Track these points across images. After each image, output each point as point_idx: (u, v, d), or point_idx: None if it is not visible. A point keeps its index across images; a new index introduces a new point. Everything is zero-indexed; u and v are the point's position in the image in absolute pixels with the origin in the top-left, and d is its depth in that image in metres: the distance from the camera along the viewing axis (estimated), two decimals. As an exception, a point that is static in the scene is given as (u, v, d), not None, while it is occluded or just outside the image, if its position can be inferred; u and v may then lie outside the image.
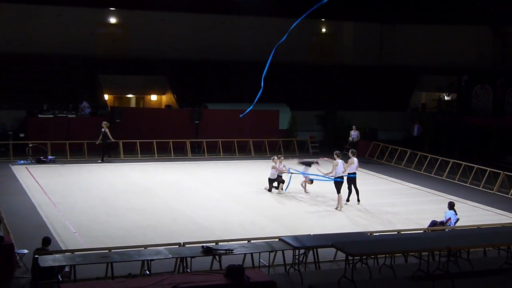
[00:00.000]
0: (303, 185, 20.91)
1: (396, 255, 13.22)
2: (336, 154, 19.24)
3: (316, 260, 13.35)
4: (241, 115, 19.09)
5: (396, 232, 15.07)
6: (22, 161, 24.48)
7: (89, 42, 33.87)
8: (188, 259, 12.38)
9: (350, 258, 11.81)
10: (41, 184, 20.70)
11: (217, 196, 20.16)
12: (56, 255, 12.08)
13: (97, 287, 10.53)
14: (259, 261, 13.12)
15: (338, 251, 12.98)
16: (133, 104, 34.80)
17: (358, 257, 12.62)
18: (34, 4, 32.28)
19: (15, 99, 29.07)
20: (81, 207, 17.93)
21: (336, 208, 18.64)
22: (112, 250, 12.51)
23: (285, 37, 16.09)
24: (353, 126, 28.41)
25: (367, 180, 23.03)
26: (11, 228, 14.50)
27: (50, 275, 11.84)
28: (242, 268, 11.01)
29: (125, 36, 35.28)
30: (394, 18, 38.77)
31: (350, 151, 20.03)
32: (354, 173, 19.33)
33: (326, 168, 20.69)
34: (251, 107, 17.42)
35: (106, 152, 25.33)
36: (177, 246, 12.98)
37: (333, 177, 18.95)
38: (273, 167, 20.57)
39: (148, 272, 12.05)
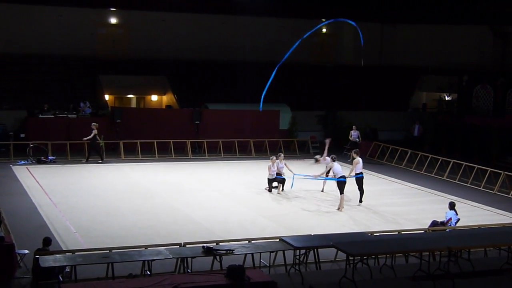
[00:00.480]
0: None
1: (396, 255, 13.24)
2: (332, 157, 19.28)
3: (317, 260, 13.34)
4: (260, 107, 20.16)
5: (396, 232, 15.07)
6: (22, 162, 24.49)
7: (89, 42, 33.87)
8: (189, 259, 12.38)
9: (350, 258, 11.81)
10: (41, 184, 20.71)
11: (217, 196, 20.16)
12: (57, 255, 12.08)
13: (97, 287, 10.53)
14: (260, 261, 13.13)
15: (339, 251, 12.98)
16: (133, 104, 34.78)
17: (359, 257, 12.62)
18: (35, 5, 32.28)
19: (16, 99, 29.09)
20: (81, 207, 17.94)
21: (338, 209, 18.63)
22: (113, 250, 12.50)
23: (297, 42, 16.68)
24: (353, 126, 28.41)
25: (368, 180, 22.90)
26: (11, 228, 14.51)
27: (50, 275, 11.85)
28: (242, 268, 11.00)
29: (125, 36, 35.29)
30: (395, 18, 38.76)
31: (353, 151, 20.09)
32: (361, 173, 19.37)
33: (322, 169, 20.77)
34: (265, 91, 18.83)
35: (92, 153, 25.06)
36: (178, 246, 12.99)
37: (334, 177, 18.98)
38: (269, 168, 20.55)
39: (148, 272, 12.06)
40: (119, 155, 26.34)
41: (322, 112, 33.06)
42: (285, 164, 20.77)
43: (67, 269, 12.06)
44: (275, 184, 20.64)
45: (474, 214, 18.88)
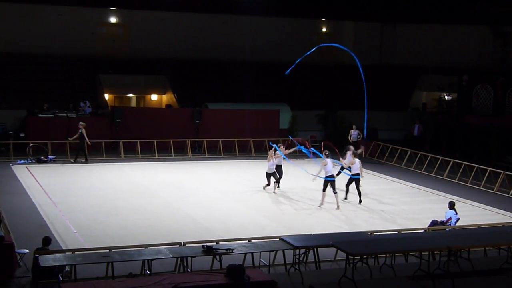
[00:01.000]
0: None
1: (396, 254, 13.24)
2: (325, 153, 19.32)
3: (317, 260, 13.35)
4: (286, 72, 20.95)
5: (396, 232, 15.08)
6: (22, 161, 24.49)
7: (89, 41, 33.88)
8: (189, 258, 12.38)
9: (350, 257, 11.80)
10: (41, 184, 20.71)
11: (217, 195, 20.17)
12: (57, 254, 12.09)
13: (97, 286, 10.53)
14: (260, 260, 13.13)
15: (339, 251, 12.98)
16: (133, 103, 34.80)
17: (359, 257, 12.61)
18: (35, 4, 32.29)
19: (16, 98, 29.08)
20: (81, 207, 17.94)
21: (337, 208, 18.65)
22: (113, 250, 12.51)
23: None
24: (353, 126, 28.40)
25: (368, 179, 22.98)
26: (11, 228, 14.51)
27: (50, 274, 11.85)
28: (242, 267, 11.01)
29: (125, 35, 35.29)
30: (395, 17, 38.76)
31: (352, 151, 20.13)
32: (358, 174, 19.40)
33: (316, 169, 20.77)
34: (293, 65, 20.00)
35: (80, 153, 24.91)
36: (178, 245, 12.99)
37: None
38: (269, 159, 20.37)
39: (148, 272, 12.06)
40: (119, 154, 26.35)
41: (322, 111, 33.05)
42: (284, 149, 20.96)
43: (67, 269, 12.06)
44: (273, 180, 20.59)
45: (473, 213, 18.89)
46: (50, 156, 24.92)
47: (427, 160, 25.80)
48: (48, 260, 11.61)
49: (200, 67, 34.54)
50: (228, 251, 12.48)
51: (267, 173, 20.61)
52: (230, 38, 35.89)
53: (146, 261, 12.12)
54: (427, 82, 37.76)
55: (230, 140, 28.30)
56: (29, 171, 22.86)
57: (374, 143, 29.08)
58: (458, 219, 15.93)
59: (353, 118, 30.97)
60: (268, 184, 20.65)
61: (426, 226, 15.90)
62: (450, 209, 16.02)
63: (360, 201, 19.39)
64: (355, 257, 12.24)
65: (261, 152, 28.06)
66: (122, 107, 31.11)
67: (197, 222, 16.84)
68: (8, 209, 16.95)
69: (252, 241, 13.51)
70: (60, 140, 25.82)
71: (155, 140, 26.87)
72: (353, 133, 28.21)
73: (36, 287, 11.77)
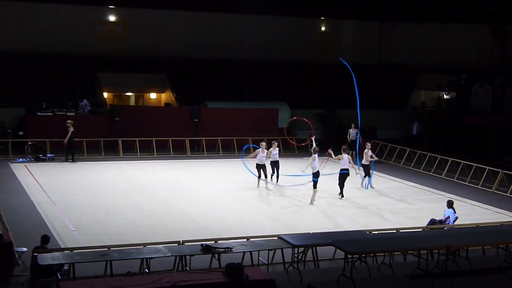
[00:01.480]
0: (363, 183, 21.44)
1: (395, 253, 13.24)
2: (313, 150, 19.40)
3: (315, 259, 13.36)
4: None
5: (395, 231, 15.08)
6: (21, 159, 24.47)
7: (88, 40, 33.81)
8: (187, 257, 12.40)
9: (349, 256, 11.81)
10: (40, 182, 20.70)
11: (216, 194, 20.17)
12: (55, 253, 12.10)
13: (96, 285, 10.52)
14: (258, 259, 13.15)
15: (337, 250, 12.98)
16: (132, 102, 34.77)
17: (357, 256, 12.62)
18: (33, 2, 32.22)
19: (14, 97, 29.06)
20: (80, 205, 17.94)
21: (311, 203, 18.86)
22: (111, 248, 12.51)
23: None
24: (352, 125, 28.37)
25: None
26: (10, 226, 14.52)
27: (49, 273, 11.86)
28: (241, 266, 11.02)
29: (124, 34, 35.24)
30: (394, 16, 38.72)
31: (342, 148, 20.30)
32: (347, 169, 19.71)
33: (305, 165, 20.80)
34: None
35: (71, 152, 24.88)
36: (176, 244, 12.99)
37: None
38: (263, 150, 20.76)
39: (147, 270, 12.07)
40: (118, 153, 26.34)
41: (320, 110, 33.04)
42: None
43: (66, 267, 12.07)
44: (263, 177, 20.71)
45: (472, 212, 18.91)
46: (48, 155, 24.92)
47: (426, 159, 25.82)
48: (47, 258, 11.62)
49: (199, 66, 34.52)
50: (226, 249, 12.49)
51: (257, 164, 20.75)
52: (229, 36, 35.87)
53: (144, 259, 12.13)
54: (426, 81, 37.77)
55: (229, 139, 28.30)
56: (28, 169, 22.85)
57: (373, 142, 29.01)
58: (457, 218, 15.95)
59: (351, 117, 30.92)
60: (259, 176, 20.71)
61: (425, 225, 15.92)
62: (448, 208, 16.04)
63: (342, 196, 19.69)
64: (354, 256, 12.24)
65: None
66: (121, 105, 31.08)
67: (196, 220, 16.84)
68: (6, 207, 16.97)
69: (251, 239, 13.52)
70: (59, 138, 25.79)
71: (154, 139, 26.86)
72: (352, 132, 28.20)
73: (34, 285, 11.78)
